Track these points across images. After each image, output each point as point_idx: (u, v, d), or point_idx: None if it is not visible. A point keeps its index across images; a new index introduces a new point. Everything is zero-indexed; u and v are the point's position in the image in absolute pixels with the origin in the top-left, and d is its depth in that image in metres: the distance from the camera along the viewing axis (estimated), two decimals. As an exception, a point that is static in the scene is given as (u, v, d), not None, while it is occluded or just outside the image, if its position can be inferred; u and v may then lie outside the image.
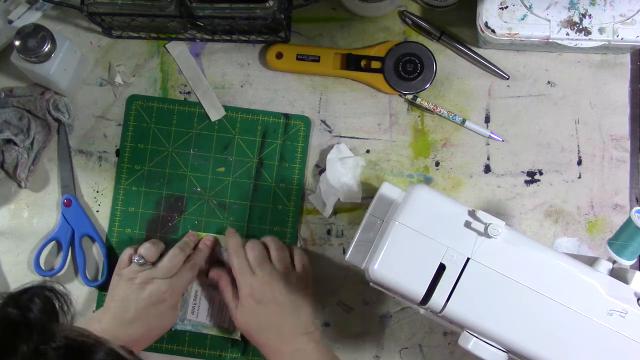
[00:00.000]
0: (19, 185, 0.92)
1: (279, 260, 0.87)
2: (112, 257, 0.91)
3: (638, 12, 0.86)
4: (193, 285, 0.91)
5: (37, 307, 0.51)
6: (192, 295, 0.91)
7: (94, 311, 0.91)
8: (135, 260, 0.84)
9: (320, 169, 0.93)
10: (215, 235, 0.91)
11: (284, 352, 0.82)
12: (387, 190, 0.82)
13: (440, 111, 0.92)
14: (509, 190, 0.92)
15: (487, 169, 0.93)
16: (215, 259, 0.91)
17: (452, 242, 0.69)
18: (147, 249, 0.86)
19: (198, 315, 0.91)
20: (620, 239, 0.71)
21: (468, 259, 0.69)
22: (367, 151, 0.93)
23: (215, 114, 0.93)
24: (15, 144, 0.89)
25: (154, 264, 0.86)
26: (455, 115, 0.92)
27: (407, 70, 0.92)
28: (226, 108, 0.94)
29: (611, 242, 0.72)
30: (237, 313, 0.85)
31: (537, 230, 0.92)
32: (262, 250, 0.87)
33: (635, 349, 0.67)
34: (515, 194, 0.92)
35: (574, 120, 0.93)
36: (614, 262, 0.72)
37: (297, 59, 0.93)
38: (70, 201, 0.92)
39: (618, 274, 0.71)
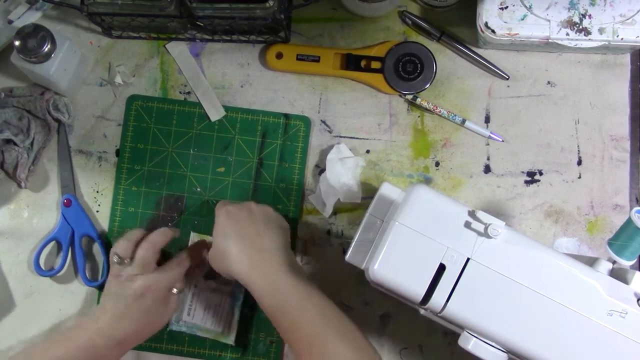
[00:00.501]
0: (19, 186, 0.92)
1: (264, 205, 0.87)
2: (112, 257, 0.91)
3: (638, 12, 0.86)
4: (190, 287, 0.90)
5: None
6: (189, 296, 0.90)
7: (93, 311, 0.91)
8: (116, 260, 0.83)
9: (320, 169, 0.93)
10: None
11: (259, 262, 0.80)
12: (387, 190, 0.82)
13: (440, 111, 0.92)
14: (509, 190, 0.92)
15: (487, 169, 0.93)
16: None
17: (452, 242, 0.69)
18: (120, 246, 0.84)
19: (194, 317, 0.90)
20: (620, 239, 0.71)
21: (468, 259, 0.69)
22: (367, 151, 0.93)
23: (215, 114, 0.93)
24: (15, 144, 0.89)
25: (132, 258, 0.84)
26: (455, 115, 0.92)
27: (407, 71, 0.92)
28: (226, 108, 0.93)
29: (611, 243, 0.72)
30: (214, 234, 0.83)
31: (537, 230, 0.92)
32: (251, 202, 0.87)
33: (635, 349, 0.67)
34: (515, 194, 0.92)
35: (574, 120, 0.93)
36: (614, 262, 0.72)
37: (297, 59, 0.93)
38: (70, 201, 0.92)
39: (618, 274, 0.71)
